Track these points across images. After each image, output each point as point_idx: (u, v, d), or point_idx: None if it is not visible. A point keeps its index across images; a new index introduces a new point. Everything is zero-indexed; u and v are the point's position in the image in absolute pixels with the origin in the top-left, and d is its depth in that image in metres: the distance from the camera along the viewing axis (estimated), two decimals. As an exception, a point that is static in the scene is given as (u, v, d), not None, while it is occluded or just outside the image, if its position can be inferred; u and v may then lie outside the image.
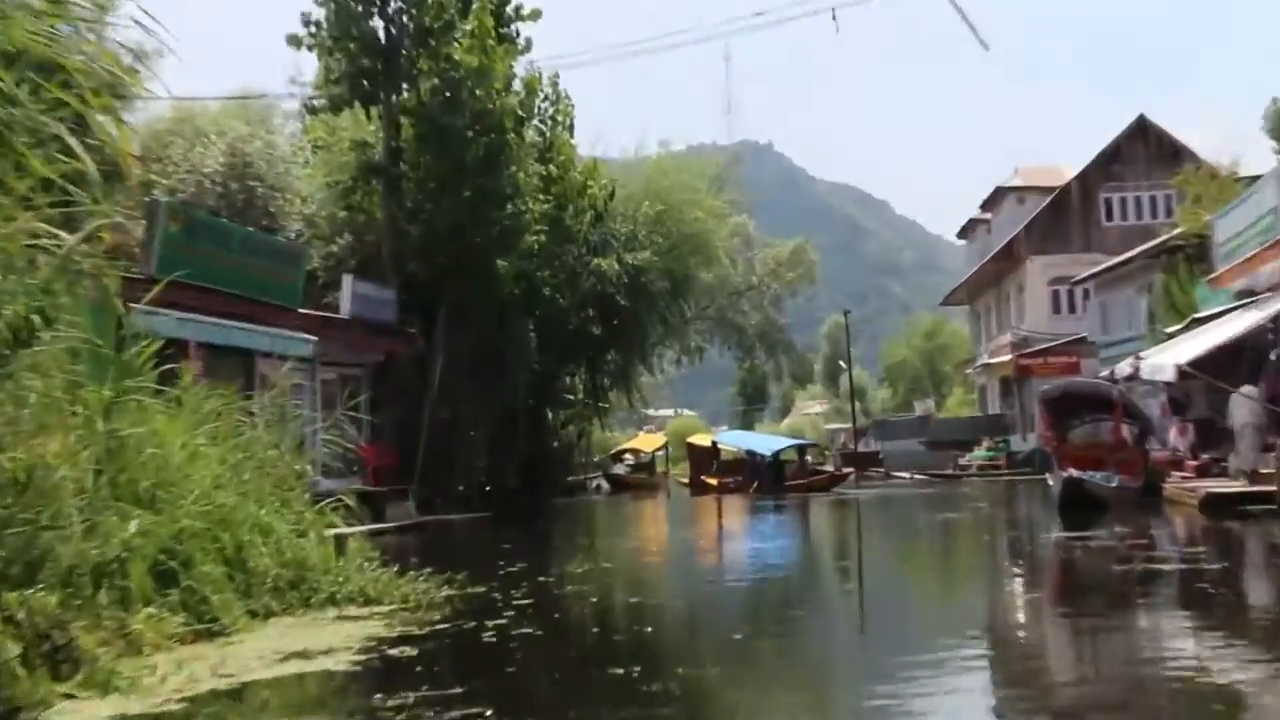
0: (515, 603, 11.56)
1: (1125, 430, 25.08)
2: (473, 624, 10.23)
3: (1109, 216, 47.33)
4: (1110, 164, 47.30)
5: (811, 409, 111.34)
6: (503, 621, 10.27)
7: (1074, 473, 22.57)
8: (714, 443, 48.86)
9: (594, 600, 11.92)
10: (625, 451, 64.11)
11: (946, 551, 17.76)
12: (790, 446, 44.52)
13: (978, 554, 16.98)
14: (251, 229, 22.82)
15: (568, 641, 9.54)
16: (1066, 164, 50.92)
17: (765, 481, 39.62)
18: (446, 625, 10.04)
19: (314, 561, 11.03)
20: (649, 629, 10.15)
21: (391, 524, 24.38)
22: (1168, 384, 27.64)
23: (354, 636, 9.33)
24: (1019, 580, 13.20)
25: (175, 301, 19.84)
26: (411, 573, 12.43)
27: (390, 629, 9.80)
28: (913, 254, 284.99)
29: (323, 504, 12.38)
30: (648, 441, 64.82)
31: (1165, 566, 13.44)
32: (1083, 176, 47.62)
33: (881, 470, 53.75)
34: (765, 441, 46.38)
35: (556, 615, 10.91)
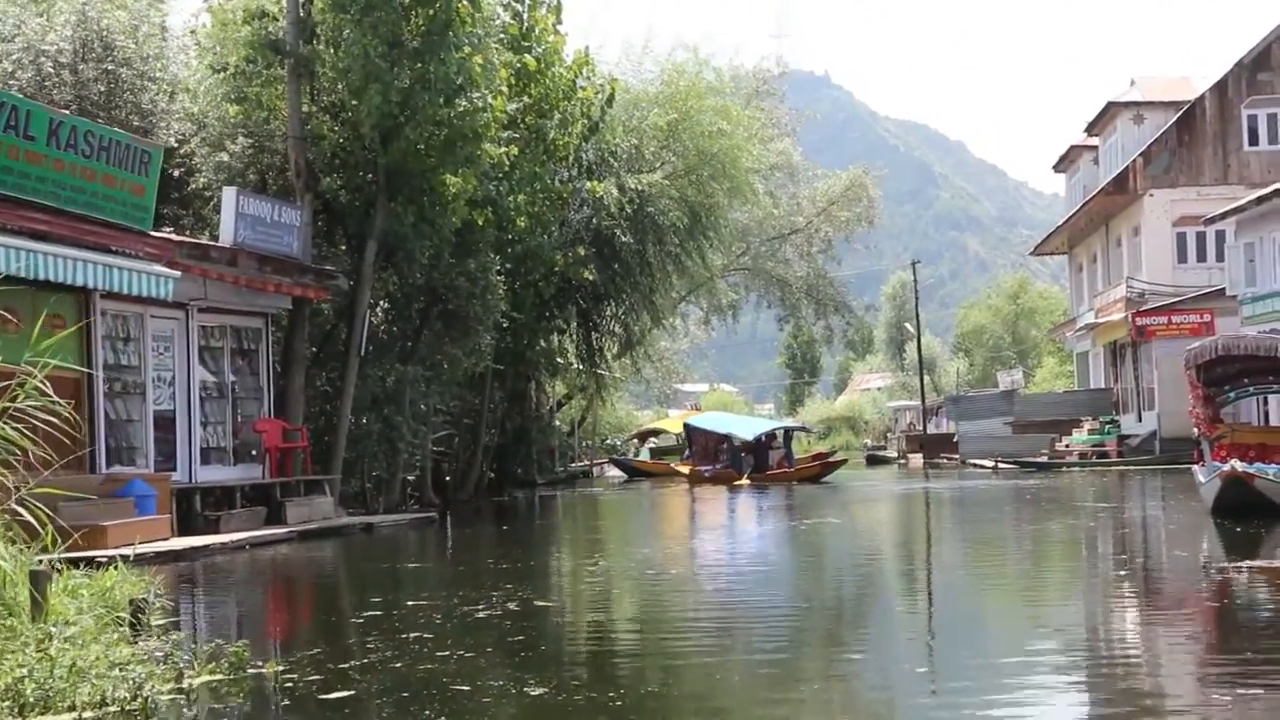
0: (321, 698, 7.41)
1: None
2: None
3: (1253, 139, 42.61)
4: (1257, 71, 42.45)
5: (872, 383, 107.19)
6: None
7: (1239, 465, 18.36)
8: (685, 425, 49.03)
9: (475, 687, 7.63)
10: (651, 433, 60.78)
11: (1068, 614, 13.43)
12: (773, 430, 45.48)
13: (1099, 600, 12.62)
14: (69, 114, 18.53)
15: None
16: (1201, 74, 46.10)
17: (744, 470, 40.29)
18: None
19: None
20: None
21: (288, 529, 20.29)
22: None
23: None
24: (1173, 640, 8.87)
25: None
26: (164, 636, 8.35)
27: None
28: (992, 204, 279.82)
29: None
30: (679, 422, 61.49)
31: None
32: (1219, 88, 42.75)
33: (956, 456, 49.88)
34: (746, 424, 47.05)
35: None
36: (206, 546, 17.71)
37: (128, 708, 6.93)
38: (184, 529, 18.74)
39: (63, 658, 7.19)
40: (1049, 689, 7.69)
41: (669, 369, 65.29)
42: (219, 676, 7.75)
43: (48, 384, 8.90)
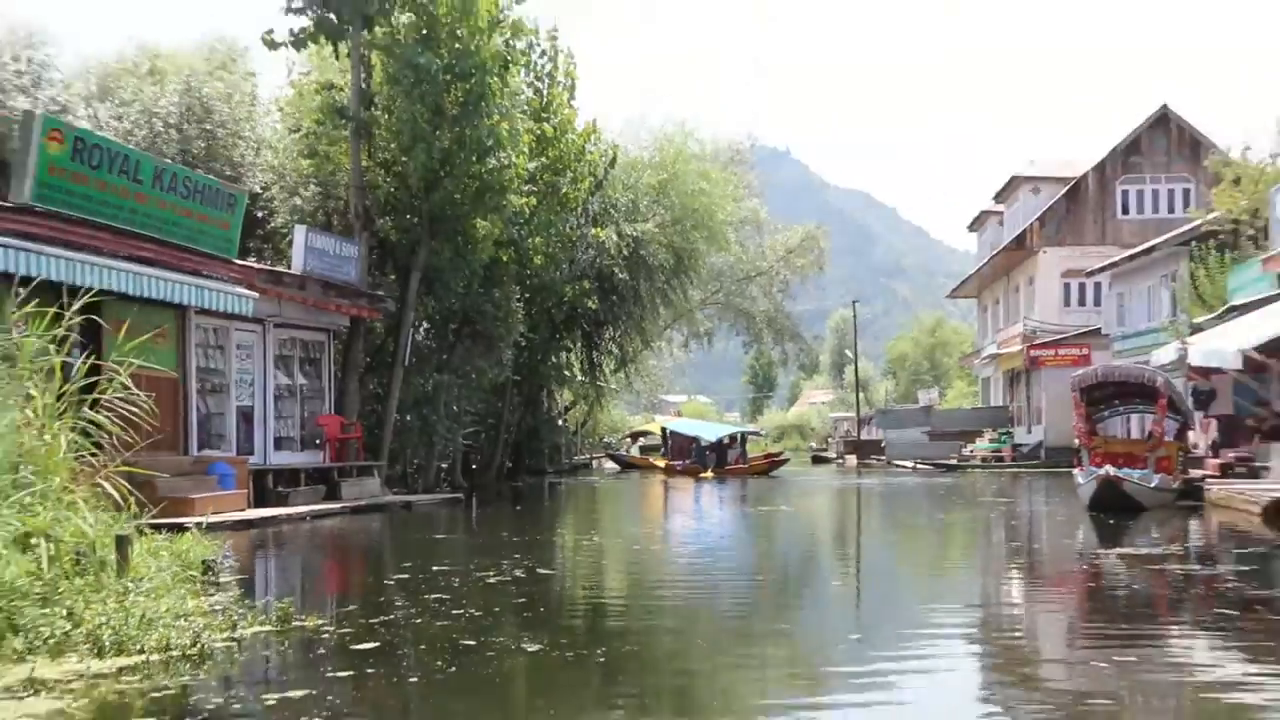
0: (353, 648, 7.05)
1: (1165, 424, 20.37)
2: (236, 705, 5.69)
3: (1125, 209, 42.40)
4: (1129, 155, 42.30)
5: (817, 398, 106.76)
6: (295, 695, 5.75)
7: (1111, 470, 18.05)
8: (663, 429, 48.74)
9: (480, 643, 7.30)
10: (641, 433, 60.23)
11: (962, 578, 13.08)
12: (732, 434, 44.87)
13: (1003, 578, 12.28)
14: (169, 160, 18.24)
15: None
16: (1085, 156, 45.91)
17: (708, 465, 40.09)
18: (166, 714, 5.50)
19: (20, 584, 6.49)
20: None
21: (342, 504, 19.87)
22: (1194, 375, 23.38)
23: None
24: (1072, 627, 8.53)
25: (69, 240, 15.53)
26: (229, 591, 7.99)
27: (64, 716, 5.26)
28: (917, 258, 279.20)
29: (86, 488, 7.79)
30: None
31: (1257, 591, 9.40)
32: (1100, 167, 42.61)
33: (884, 458, 49.45)
34: (711, 429, 46.80)
35: (395, 686, 6.30)
36: (275, 517, 17.36)
37: (187, 653, 6.60)
38: (259, 502, 18.38)
39: (136, 609, 6.86)
40: (951, 651, 7.37)
41: (655, 382, 64.78)
42: (267, 628, 7.42)
43: (129, 381, 8.53)
